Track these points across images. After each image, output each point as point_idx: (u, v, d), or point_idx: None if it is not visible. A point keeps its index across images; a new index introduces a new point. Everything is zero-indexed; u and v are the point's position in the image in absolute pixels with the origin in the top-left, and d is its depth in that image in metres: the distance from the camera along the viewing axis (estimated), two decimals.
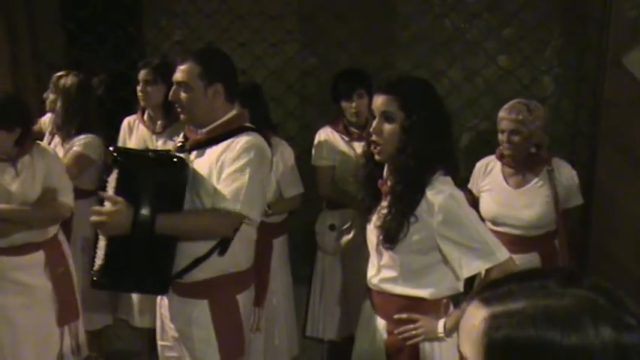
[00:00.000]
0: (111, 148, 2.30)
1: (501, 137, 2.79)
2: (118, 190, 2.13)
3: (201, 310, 2.26)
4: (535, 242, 2.83)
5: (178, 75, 2.24)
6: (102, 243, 2.18)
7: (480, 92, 4.00)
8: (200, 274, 2.24)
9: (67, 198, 2.75)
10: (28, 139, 2.68)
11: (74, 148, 3.12)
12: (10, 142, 2.60)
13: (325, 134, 3.33)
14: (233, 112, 2.32)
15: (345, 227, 3.24)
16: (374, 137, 1.98)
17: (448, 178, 2.00)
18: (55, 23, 4.32)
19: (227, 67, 2.32)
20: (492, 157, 2.94)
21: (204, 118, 2.27)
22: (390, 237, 1.98)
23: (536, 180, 2.83)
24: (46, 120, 3.39)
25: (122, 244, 2.12)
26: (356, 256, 3.27)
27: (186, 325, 2.29)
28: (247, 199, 2.16)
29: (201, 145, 2.28)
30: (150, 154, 2.45)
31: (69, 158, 3.09)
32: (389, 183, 2.03)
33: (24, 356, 2.71)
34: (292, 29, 4.18)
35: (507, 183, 2.86)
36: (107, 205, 2.08)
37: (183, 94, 2.24)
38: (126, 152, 2.30)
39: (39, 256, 2.73)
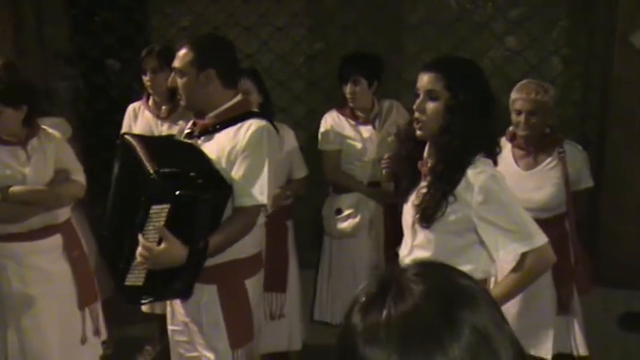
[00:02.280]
0: (173, 176, 2.05)
1: (517, 118, 2.75)
2: (171, 224, 2.02)
3: (210, 295, 2.26)
4: (545, 225, 2.78)
5: (175, 61, 2.28)
6: (137, 265, 2.09)
7: (487, 73, 3.93)
8: (209, 259, 2.25)
9: (80, 177, 2.78)
10: (35, 120, 2.69)
11: None
12: (17, 121, 2.60)
13: (332, 118, 3.32)
14: (238, 98, 2.33)
15: (351, 211, 3.24)
16: (417, 114, 1.96)
17: (489, 160, 1.99)
18: (60, 10, 4.31)
19: (223, 52, 2.32)
20: (502, 139, 2.92)
21: (202, 104, 2.29)
22: (427, 215, 1.96)
23: (547, 162, 2.81)
24: None
25: (165, 272, 2.08)
26: (364, 239, 3.28)
27: (196, 310, 2.30)
28: (266, 191, 2.21)
29: (209, 131, 2.29)
30: (196, 176, 2.11)
31: None
32: (429, 163, 2.02)
33: (49, 342, 2.74)
34: (299, 12, 4.16)
35: (518, 165, 2.85)
36: (162, 244, 2.02)
37: (178, 80, 2.27)
38: (189, 184, 2.05)
39: (57, 239, 2.75)
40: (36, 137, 2.69)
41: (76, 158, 2.82)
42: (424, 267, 0.84)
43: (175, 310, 2.40)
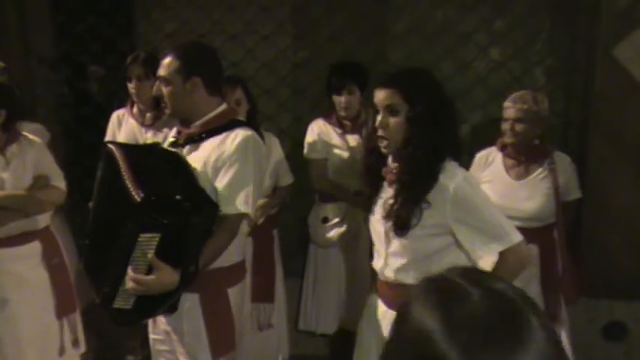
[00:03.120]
0: (151, 203, 1.98)
1: (505, 125, 2.81)
2: (161, 251, 2.00)
3: (192, 303, 2.25)
4: (535, 234, 2.84)
5: (160, 70, 2.27)
6: (125, 291, 2.05)
7: (471, 84, 4.00)
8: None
9: (60, 183, 2.75)
10: (14, 125, 2.66)
11: None
12: None
13: (318, 127, 3.33)
14: (224, 106, 2.33)
15: (337, 220, 3.24)
16: (380, 132, 1.98)
17: (456, 163, 2.01)
18: (45, 16, 4.28)
19: (208, 61, 2.31)
20: (493, 149, 2.95)
21: (188, 113, 2.29)
22: (402, 224, 1.97)
23: (537, 172, 2.84)
24: None
25: (155, 296, 2.05)
26: (350, 248, 3.28)
27: (177, 319, 2.28)
28: (251, 200, 2.21)
29: (195, 140, 2.28)
30: (183, 199, 2.05)
31: None
32: (394, 171, 2.03)
33: (26, 352, 2.71)
34: (284, 21, 4.17)
35: (508, 174, 2.88)
36: (152, 273, 2.00)
37: (164, 89, 2.26)
38: (170, 209, 2.00)
39: (36, 246, 2.73)
40: (16, 143, 2.66)
41: (56, 164, 2.79)
42: (469, 271, 0.88)
43: (157, 319, 2.38)
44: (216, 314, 2.29)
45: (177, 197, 2.04)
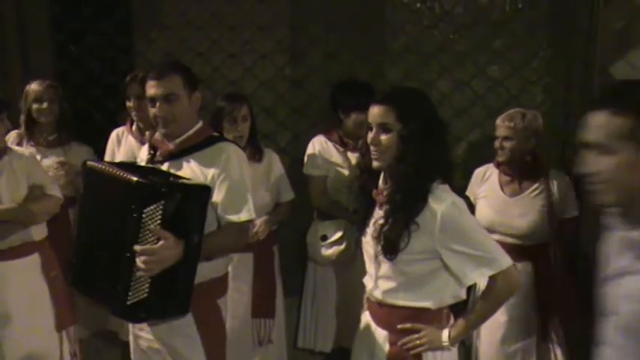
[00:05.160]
0: (155, 181, 2.10)
1: (496, 144, 2.86)
2: (165, 223, 2.05)
3: (183, 317, 2.25)
4: (529, 251, 2.85)
5: (163, 89, 2.27)
6: (139, 276, 2.06)
7: (469, 102, 4.02)
8: None
9: (55, 192, 2.76)
10: (2, 138, 2.68)
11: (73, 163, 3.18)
12: None
13: (319, 143, 3.33)
14: (201, 123, 2.40)
15: (336, 238, 3.24)
16: (372, 148, 1.99)
17: (447, 186, 2.01)
18: (44, 35, 4.30)
19: (195, 76, 2.40)
20: (491, 165, 3.00)
21: (185, 128, 2.33)
22: (391, 246, 1.98)
23: (531, 189, 2.86)
24: (13, 134, 3.32)
25: (165, 274, 2.07)
26: (349, 266, 3.27)
27: (167, 332, 2.28)
28: (252, 207, 2.31)
29: (175, 156, 2.31)
30: (177, 179, 2.22)
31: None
32: (385, 193, 2.03)
33: None
34: (282, 40, 4.19)
35: (503, 191, 2.90)
36: (159, 242, 2.03)
37: (171, 107, 2.27)
38: (171, 184, 2.12)
39: (35, 259, 2.74)
40: (6, 156, 2.68)
41: (47, 173, 2.82)
42: None
43: (141, 337, 2.38)
44: (209, 325, 2.31)
45: (171, 178, 2.17)
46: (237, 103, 3.00)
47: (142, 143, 3.27)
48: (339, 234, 3.23)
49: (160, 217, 2.03)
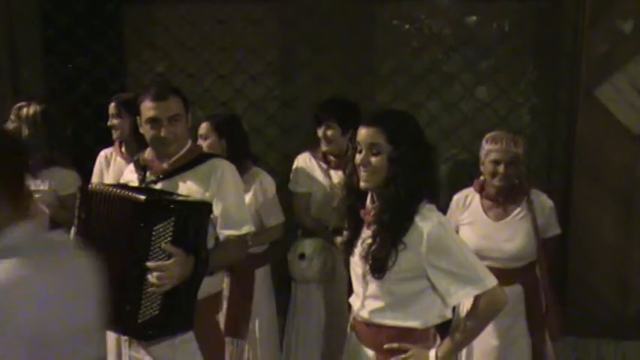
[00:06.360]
0: (163, 198, 2.16)
1: (494, 168, 2.79)
2: (175, 239, 2.07)
3: (184, 334, 2.25)
4: (517, 274, 2.84)
5: (168, 111, 2.30)
6: (150, 294, 2.08)
7: (457, 124, 4.06)
8: None
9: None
10: None
11: (59, 194, 3.12)
12: None
13: (303, 161, 3.36)
14: (190, 142, 2.45)
15: (314, 255, 3.25)
16: (361, 169, 2.01)
17: (433, 206, 2.03)
18: (36, 55, 4.32)
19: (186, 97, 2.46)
20: (470, 190, 2.96)
21: (180, 147, 2.37)
22: (379, 266, 1.99)
23: (516, 212, 2.85)
24: None
25: (174, 290, 2.10)
26: (331, 285, 3.29)
27: (169, 351, 2.27)
28: (250, 219, 2.39)
29: (168, 175, 2.34)
30: (181, 197, 2.24)
31: (56, 206, 3.07)
32: (372, 212, 2.05)
33: None
34: (273, 61, 4.23)
35: (487, 215, 2.88)
36: (171, 258, 2.05)
37: (175, 128, 2.31)
38: (179, 202, 2.15)
39: None
40: None
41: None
42: None
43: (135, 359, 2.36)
44: (210, 341, 2.33)
45: (175, 196, 2.19)
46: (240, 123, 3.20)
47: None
48: (316, 252, 3.25)
49: (170, 233, 2.06)
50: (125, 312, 2.07)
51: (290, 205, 3.40)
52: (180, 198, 2.19)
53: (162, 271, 2.03)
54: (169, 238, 2.05)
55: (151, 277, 2.03)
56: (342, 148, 3.27)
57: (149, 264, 2.03)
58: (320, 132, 3.24)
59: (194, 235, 2.12)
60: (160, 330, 2.16)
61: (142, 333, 2.15)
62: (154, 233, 2.03)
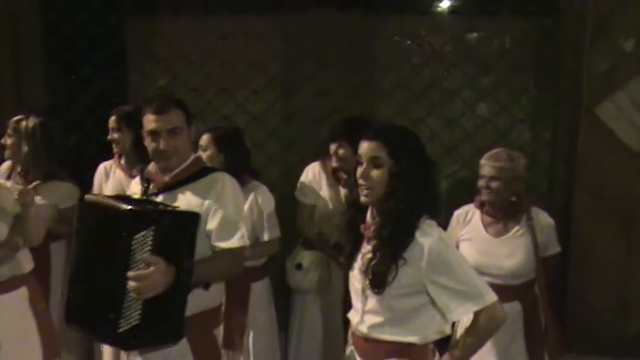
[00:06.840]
0: (146, 208, 2.14)
1: (481, 183, 2.83)
2: (156, 248, 2.05)
3: (180, 346, 2.24)
4: (516, 291, 2.83)
5: (168, 123, 2.28)
6: (130, 303, 2.06)
7: (458, 140, 4.07)
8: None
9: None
10: None
11: (59, 207, 3.12)
12: None
13: (312, 172, 3.36)
14: (194, 155, 2.43)
15: (310, 267, 3.26)
16: (362, 182, 2.01)
17: (434, 222, 2.03)
18: (39, 67, 4.34)
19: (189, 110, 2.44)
20: (471, 206, 2.96)
21: (182, 161, 2.36)
22: (379, 281, 1.98)
23: (516, 229, 2.85)
24: (3, 168, 3.31)
25: (156, 300, 2.07)
26: (324, 296, 3.29)
27: None
28: (247, 234, 2.33)
29: (169, 188, 2.33)
30: (165, 207, 2.25)
31: (55, 219, 3.07)
32: (373, 227, 2.05)
33: None
34: (275, 76, 4.25)
35: (487, 232, 2.88)
36: (149, 269, 2.03)
37: (175, 140, 2.30)
38: (161, 211, 2.15)
39: (23, 293, 2.70)
40: None
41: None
42: None
43: None
44: (206, 355, 2.30)
45: (161, 206, 2.19)
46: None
47: (131, 177, 3.28)
48: (313, 264, 3.26)
49: (150, 242, 2.04)
50: (107, 320, 2.07)
51: (293, 215, 3.40)
52: (168, 209, 2.19)
53: (140, 280, 2.01)
54: (149, 247, 2.04)
55: (130, 286, 2.02)
56: (353, 167, 3.26)
57: (129, 273, 2.02)
58: (332, 149, 3.23)
59: (176, 245, 2.10)
60: (144, 340, 2.14)
61: (125, 343, 2.13)
62: (133, 242, 2.03)
